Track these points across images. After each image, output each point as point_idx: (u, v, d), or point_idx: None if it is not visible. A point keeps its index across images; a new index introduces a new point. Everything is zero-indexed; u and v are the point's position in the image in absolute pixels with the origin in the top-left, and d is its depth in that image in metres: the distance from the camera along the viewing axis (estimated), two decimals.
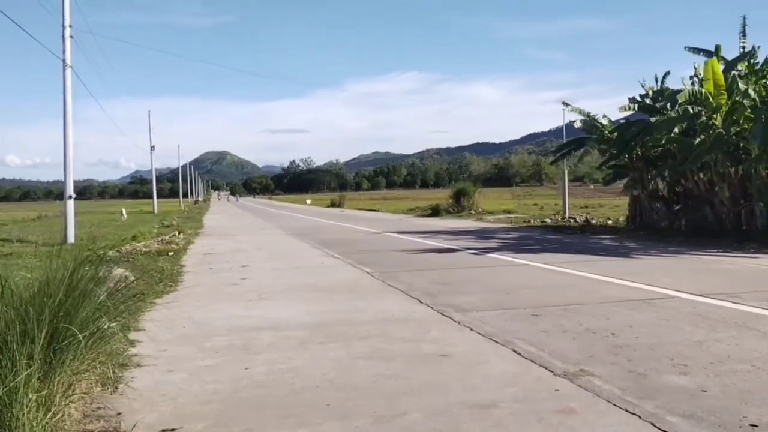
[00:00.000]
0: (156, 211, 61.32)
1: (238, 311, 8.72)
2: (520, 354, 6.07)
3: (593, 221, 29.11)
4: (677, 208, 22.65)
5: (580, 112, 25.04)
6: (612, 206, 41.63)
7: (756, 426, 4.06)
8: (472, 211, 39.56)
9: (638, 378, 5.21)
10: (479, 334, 6.98)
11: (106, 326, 5.99)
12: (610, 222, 27.87)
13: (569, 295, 9.32)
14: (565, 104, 25.18)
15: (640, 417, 4.31)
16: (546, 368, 5.56)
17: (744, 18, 19.77)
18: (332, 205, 74.20)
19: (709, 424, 4.13)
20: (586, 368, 5.51)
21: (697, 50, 20.48)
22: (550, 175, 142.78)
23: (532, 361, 5.80)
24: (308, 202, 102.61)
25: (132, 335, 7.18)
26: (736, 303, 8.34)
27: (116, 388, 5.27)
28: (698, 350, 6.02)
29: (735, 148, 18.84)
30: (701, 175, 21.02)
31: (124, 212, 43.18)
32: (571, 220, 30.95)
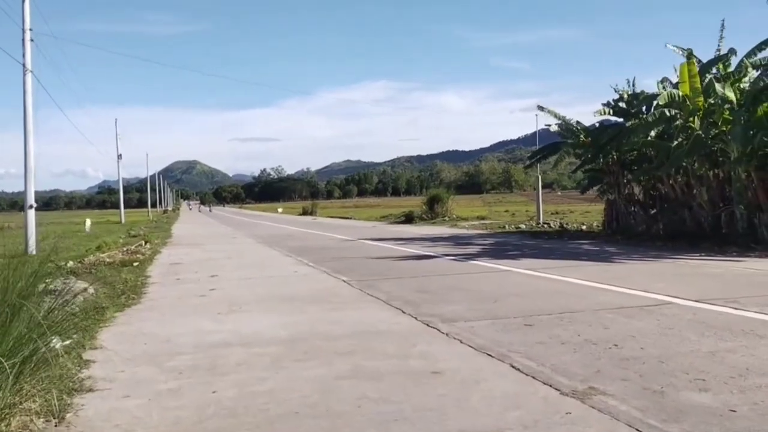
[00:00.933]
0: (123, 221, 59.81)
1: (205, 325, 8.00)
2: (519, 370, 5.48)
3: (568, 227, 28.87)
4: (654, 212, 22.45)
5: (556, 115, 24.76)
6: (582, 212, 41.70)
7: None
8: (446, 218, 39.12)
9: (656, 396, 4.66)
10: (471, 347, 6.39)
11: (54, 345, 5.26)
12: (584, 227, 27.63)
13: (560, 303, 8.78)
14: (541, 108, 24.88)
15: None
16: (551, 386, 4.98)
17: (723, 21, 19.65)
18: (304, 213, 73.37)
19: None
20: (595, 386, 4.95)
21: (680, 49, 20.18)
22: (519, 182, 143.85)
23: (534, 378, 5.21)
24: (280, 210, 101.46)
25: (87, 354, 6.45)
26: (736, 309, 7.89)
27: (62, 418, 4.54)
28: (712, 362, 5.51)
29: (713, 150, 18.64)
30: (678, 179, 20.83)
31: (88, 223, 41.73)
32: (546, 226, 30.70)
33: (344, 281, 11.94)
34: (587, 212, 40.02)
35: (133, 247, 21.36)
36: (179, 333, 7.55)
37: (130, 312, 9.27)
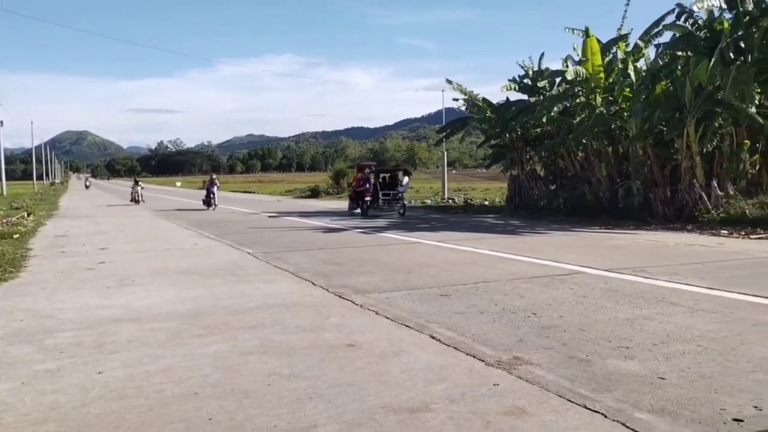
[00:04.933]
0: (5, 193, 55.38)
1: (92, 300, 7.20)
2: (440, 341, 5.17)
3: (472, 202, 29.25)
4: (555, 187, 23.03)
5: (462, 91, 24.79)
6: (483, 189, 42.53)
7: (741, 420, 3.40)
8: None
9: (582, 365, 4.47)
10: (387, 318, 6.03)
11: None
12: (488, 202, 28.07)
13: (474, 273, 8.61)
14: (449, 81, 24.83)
15: (605, 415, 3.52)
16: (475, 357, 4.69)
17: (627, 2, 20.14)
18: (203, 187, 70.83)
19: (688, 421, 3.41)
20: (520, 355, 4.71)
21: (574, 30, 20.63)
22: (423, 159, 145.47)
23: (457, 349, 4.92)
24: (178, 184, 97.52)
25: None
26: (646, 278, 7.98)
27: None
28: (632, 329, 5.42)
29: (613, 127, 19.23)
30: (579, 154, 21.42)
31: None
32: (451, 201, 31.01)
33: (249, 254, 11.31)
34: (488, 189, 40.82)
35: (14, 219, 19.58)
36: (62, 308, 6.74)
37: (7, 286, 8.28)
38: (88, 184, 75.24)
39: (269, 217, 21.95)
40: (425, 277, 8.36)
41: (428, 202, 31.22)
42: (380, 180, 23.47)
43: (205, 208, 27.29)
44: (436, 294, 7.18)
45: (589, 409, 3.62)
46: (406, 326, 5.69)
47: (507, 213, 22.44)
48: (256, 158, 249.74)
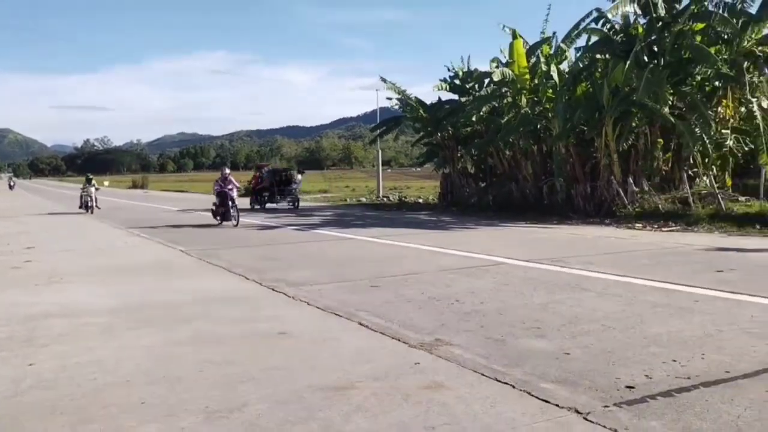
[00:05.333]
0: None
1: (20, 297, 7.14)
2: (367, 327, 5.45)
3: (406, 199, 29.75)
4: (485, 184, 23.76)
5: (396, 90, 25.19)
6: (418, 187, 43.13)
7: (632, 387, 3.81)
8: None
9: (497, 344, 4.83)
10: (318, 308, 6.27)
11: None
12: (421, 200, 28.62)
13: (405, 266, 8.94)
14: (383, 80, 25.19)
15: (513, 386, 3.88)
16: (399, 340, 5.00)
17: (549, 6, 21.01)
18: (134, 186, 69.12)
19: (586, 389, 3.80)
20: (441, 337, 5.04)
21: (506, 27, 21.25)
22: (359, 158, 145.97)
23: (383, 334, 5.21)
24: (106, 183, 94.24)
25: None
26: (562, 267, 8.50)
27: None
28: (545, 313, 5.84)
29: (538, 127, 20.01)
30: (507, 153, 22.16)
31: None
32: (385, 199, 31.43)
33: (182, 251, 11.30)
34: (423, 188, 41.46)
35: None
36: None
37: None
38: (12, 183, 71.29)
39: (202, 215, 21.76)
40: (357, 271, 8.63)
41: (363, 200, 31.55)
42: (276, 178, 26.50)
43: (218, 222, 16.99)
44: (367, 285, 7.47)
45: (500, 381, 3.97)
46: (336, 315, 5.95)
47: (439, 210, 22.98)
48: (189, 157, 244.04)
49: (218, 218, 17.01)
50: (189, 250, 11.28)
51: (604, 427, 3.24)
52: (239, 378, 4.16)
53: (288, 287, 7.38)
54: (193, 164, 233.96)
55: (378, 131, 27.74)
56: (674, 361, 4.28)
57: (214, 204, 17.27)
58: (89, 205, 23.59)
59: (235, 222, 16.44)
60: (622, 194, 16.72)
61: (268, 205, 25.48)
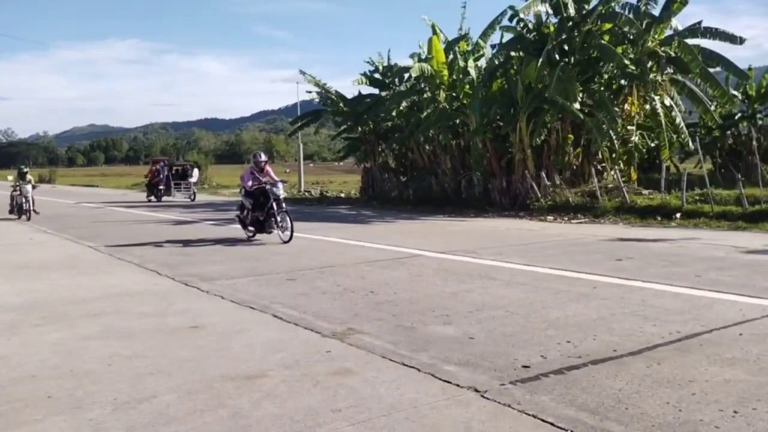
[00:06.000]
0: None
1: None
2: (281, 319, 5.52)
3: (328, 194, 29.80)
4: (405, 179, 24.14)
5: (316, 83, 25.15)
6: (341, 182, 43.24)
7: (528, 367, 4.06)
8: (206, 186, 38.05)
9: (407, 331, 5.01)
10: (232, 302, 6.28)
11: None
12: (343, 194, 28.75)
13: (322, 259, 9.03)
14: (302, 72, 25.07)
15: (419, 369, 4.05)
16: (313, 330, 5.09)
17: (464, 4, 21.52)
18: (41, 181, 65.71)
19: (486, 369, 4.02)
20: (353, 327, 5.17)
21: (427, 19, 21.56)
22: (281, 152, 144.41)
23: (297, 325, 5.29)
24: (10, 178, 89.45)
25: None
26: (474, 258, 8.81)
27: None
28: (455, 301, 6.08)
29: (456, 122, 20.49)
30: (427, 148, 22.59)
31: None
32: (307, 194, 31.37)
33: (90, 247, 10.96)
34: (346, 182, 41.59)
35: None
36: None
37: None
38: None
39: (114, 210, 21.05)
40: (273, 264, 8.65)
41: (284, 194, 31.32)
42: (173, 172, 28.30)
43: (250, 235, 11.72)
44: (283, 279, 7.51)
45: (406, 365, 4.14)
46: (250, 308, 5.98)
47: (360, 204, 23.16)
48: (100, 150, 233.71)
49: (251, 230, 11.62)
50: (98, 246, 10.95)
51: (499, 402, 3.45)
52: (149, 370, 4.15)
53: (202, 282, 7.33)
54: (105, 158, 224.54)
55: (297, 125, 27.62)
56: (568, 342, 4.57)
57: (244, 208, 11.62)
58: (24, 208, 17.52)
59: (286, 235, 11.01)
60: (536, 188, 17.39)
61: (166, 199, 26.53)
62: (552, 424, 3.17)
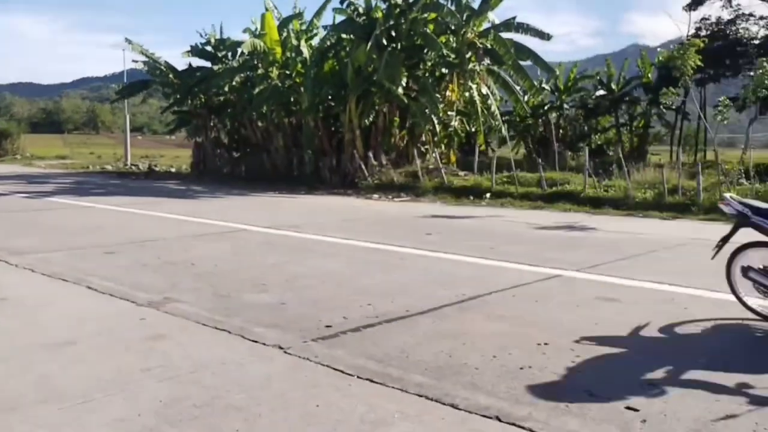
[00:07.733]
0: None
1: None
2: (96, 290, 5.55)
3: (157, 168, 28.68)
4: (238, 155, 23.96)
5: (143, 52, 24.03)
6: (173, 157, 41.64)
7: (330, 326, 4.53)
8: (18, 156, 34.91)
9: (223, 300, 5.30)
10: (44, 275, 6.15)
11: None
12: (173, 169, 27.84)
13: (145, 233, 8.95)
14: (128, 41, 23.84)
15: (229, 332, 4.38)
16: (128, 300, 5.21)
17: None
18: None
19: (292, 330, 4.44)
20: (171, 296, 5.36)
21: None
22: (107, 123, 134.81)
23: (112, 295, 5.36)
24: None
25: None
26: (297, 233, 9.22)
27: None
28: (273, 272, 6.45)
29: (289, 100, 20.68)
30: (260, 125, 22.58)
31: None
32: (134, 167, 29.94)
33: None
34: (178, 156, 40.07)
35: None
36: None
37: None
38: None
39: None
40: (91, 238, 8.45)
41: (109, 168, 29.68)
42: None
43: None
44: (101, 252, 7.41)
45: (218, 329, 4.45)
46: (63, 280, 5.92)
47: (191, 179, 22.65)
48: None
49: None
50: None
51: (300, 357, 3.89)
52: None
53: (11, 256, 7.04)
54: None
55: (122, 94, 26.23)
56: (369, 305, 5.13)
57: None
58: None
59: None
60: (364, 167, 18.15)
61: None
62: (341, 371, 3.66)
